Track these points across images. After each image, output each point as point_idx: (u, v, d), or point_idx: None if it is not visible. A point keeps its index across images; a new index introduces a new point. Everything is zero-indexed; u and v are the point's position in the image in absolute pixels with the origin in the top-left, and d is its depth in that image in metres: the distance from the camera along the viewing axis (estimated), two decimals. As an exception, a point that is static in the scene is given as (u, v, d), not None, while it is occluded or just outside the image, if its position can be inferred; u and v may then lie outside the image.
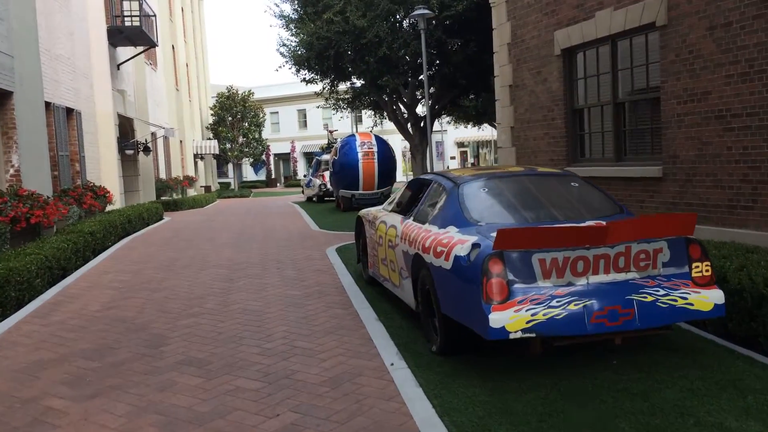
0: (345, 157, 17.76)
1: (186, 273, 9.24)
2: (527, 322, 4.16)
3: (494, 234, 4.51)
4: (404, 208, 6.72)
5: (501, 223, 4.98)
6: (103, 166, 17.23)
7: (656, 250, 4.46)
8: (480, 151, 56.01)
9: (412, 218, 6.03)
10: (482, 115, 32.39)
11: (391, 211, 6.89)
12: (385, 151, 18.06)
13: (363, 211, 8.00)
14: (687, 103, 7.54)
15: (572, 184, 5.62)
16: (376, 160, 17.56)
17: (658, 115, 8.12)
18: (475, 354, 4.99)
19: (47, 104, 12.90)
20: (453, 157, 54.09)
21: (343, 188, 17.92)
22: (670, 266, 4.50)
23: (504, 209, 5.22)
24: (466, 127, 39.19)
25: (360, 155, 17.55)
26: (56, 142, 13.47)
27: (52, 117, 13.35)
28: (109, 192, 14.94)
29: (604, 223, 4.51)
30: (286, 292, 7.63)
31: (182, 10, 36.84)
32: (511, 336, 4.15)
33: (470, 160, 55.92)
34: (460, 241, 4.74)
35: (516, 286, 4.31)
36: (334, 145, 24.68)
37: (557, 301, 4.26)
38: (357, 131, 25.07)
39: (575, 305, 4.25)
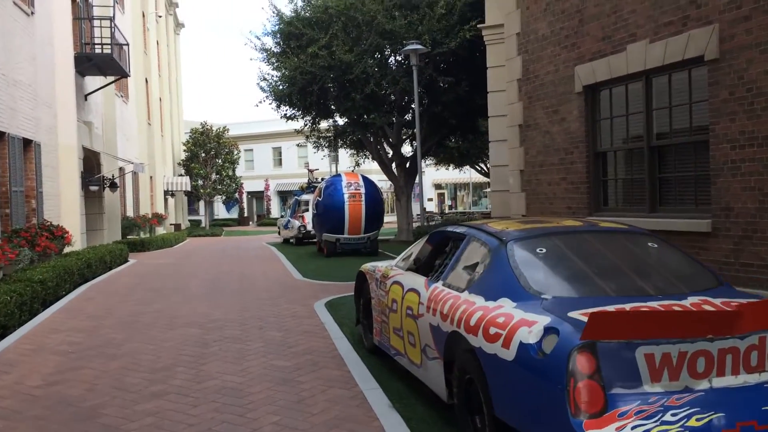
0: (329, 198, 16.52)
1: (151, 333, 7.83)
2: (635, 446, 2.95)
3: (575, 315, 3.32)
4: (425, 267, 5.51)
5: (573, 296, 3.80)
6: (63, 203, 15.73)
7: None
8: (458, 193, 55.35)
9: (440, 282, 4.81)
10: (465, 157, 31.76)
11: (408, 269, 5.66)
12: (373, 192, 16.89)
13: (368, 266, 6.76)
14: (745, 148, 6.52)
15: (650, 244, 4.47)
16: (363, 202, 16.35)
17: (705, 160, 7.09)
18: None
19: (0, 134, 11.52)
20: (430, 199, 53.24)
21: (326, 231, 16.62)
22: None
23: (574, 277, 4.04)
24: (447, 168, 38.55)
25: (346, 197, 16.33)
26: (9, 176, 12.03)
27: (6, 148, 11.94)
28: (67, 232, 13.45)
29: (732, 303, 3.35)
30: (272, 362, 6.30)
31: (157, 43, 35.73)
32: (615, 467, 2.93)
33: (447, 202, 55.18)
34: (524, 322, 3.53)
35: (616, 391, 3.10)
36: (317, 184, 23.48)
37: (673, 414, 3.05)
38: (342, 171, 23.89)
39: (697, 420, 3.05)
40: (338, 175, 17.81)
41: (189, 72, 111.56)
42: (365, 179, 17.10)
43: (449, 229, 5.36)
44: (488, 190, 50.88)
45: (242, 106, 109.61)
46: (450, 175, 47.54)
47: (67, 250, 13.91)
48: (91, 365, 6.42)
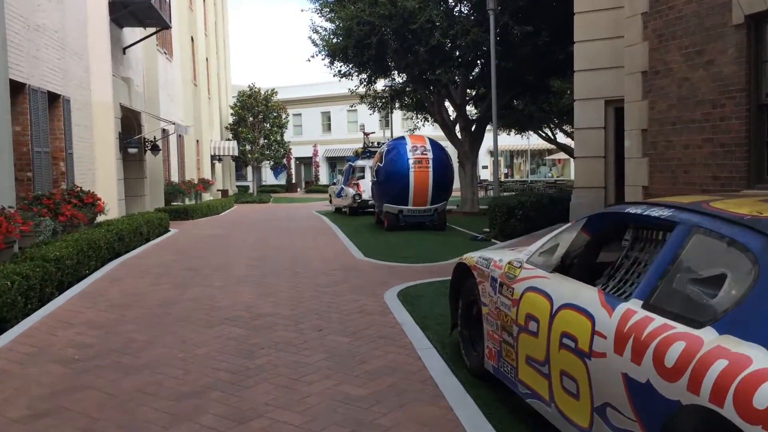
0: (392, 164, 14.51)
1: (181, 332, 6.13)
2: None
3: None
4: (587, 270, 3.57)
5: None
6: (98, 167, 14.26)
7: None
8: (514, 160, 52.64)
9: (634, 301, 2.87)
10: (529, 121, 29.24)
11: (553, 269, 3.70)
12: (441, 158, 14.80)
13: (473, 257, 4.83)
14: None
15: None
16: (431, 169, 14.28)
17: None
18: None
19: (17, 84, 9.93)
20: (485, 167, 50.72)
21: (388, 202, 14.68)
22: None
23: None
24: (507, 134, 36.05)
25: (411, 162, 14.30)
26: (31, 134, 10.49)
27: (26, 102, 10.38)
28: (99, 199, 11.92)
29: None
30: (339, 388, 4.51)
31: (203, 0, 34.03)
32: None
33: (503, 170, 52.57)
34: None
35: None
36: (373, 149, 21.51)
37: None
38: (405, 133, 21.82)
39: None
40: (402, 138, 15.78)
41: (237, 34, 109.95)
42: (432, 142, 15.02)
43: (630, 210, 3.36)
44: (550, 157, 48.29)
45: (290, 68, 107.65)
46: (506, 141, 44.86)
47: (101, 219, 12.42)
48: (98, 383, 4.74)
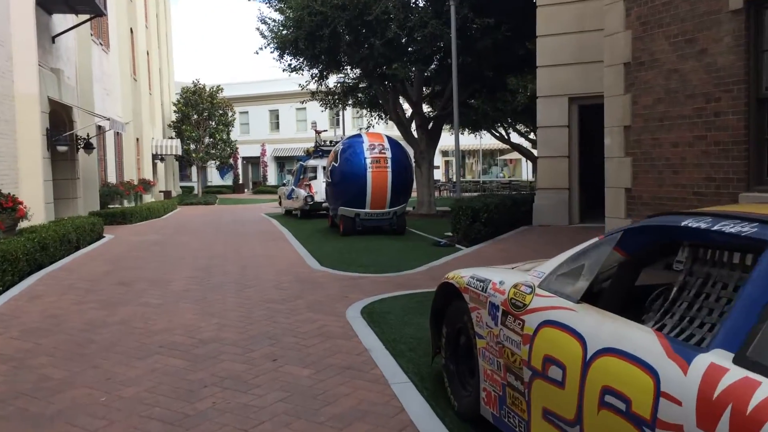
0: (348, 163, 13.55)
1: (107, 366, 5.10)
2: None
3: None
4: (623, 301, 2.78)
5: None
6: (21, 167, 12.88)
7: None
8: (466, 161, 52.33)
9: (717, 351, 2.08)
10: (483, 119, 28.72)
11: (581, 297, 2.87)
12: (401, 157, 13.91)
13: (461, 275, 3.98)
14: None
15: None
16: (390, 169, 13.38)
17: None
18: None
19: None
20: (437, 167, 50.25)
21: (343, 205, 13.72)
22: None
23: None
24: (462, 133, 35.49)
25: (369, 162, 13.37)
26: (-63, 129, 9.17)
27: (-70, 93, 9.06)
28: (20, 203, 10.63)
29: None
30: (302, 444, 3.60)
31: (144, -10, 32.35)
32: None
33: (455, 170, 52.21)
34: None
35: None
36: (326, 147, 20.48)
37: None
38: (365, 130, 20.81)
39: None
40: (358, 135, 14.81)
41: (180, 28, 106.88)
42: (391, 141, 14.12)
43: (690, 224, 2.56)
44: (502, 157, 48.12)
45: (237, 65, 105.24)
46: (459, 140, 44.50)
47: (24, 224, 11.12)
48: (-8, 444, 3.71)
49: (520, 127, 30.02)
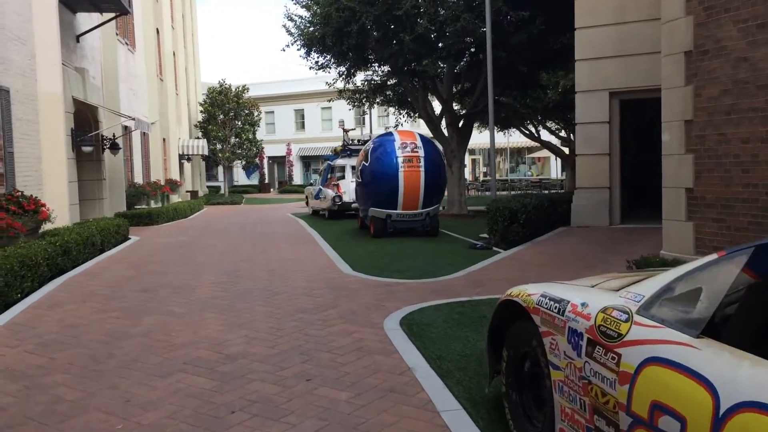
0: (379, 163, 13.00)
1: (125, 385, 4.65)
2: None
3: None
4: (758, 337, 2.21)
5: None
6: (45, 168, 12.58)
7: None
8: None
9: None
10: (514, 117, 27.99)
11: (702, 329, 2.28)
12: (433, 156, 13.32)
13: (534, 296, 3.40)
14: None
15: None
16: (422, 169, 12.81)
17: None
18: None
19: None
20: (465, 166, 49.51)
21: (374, 206, 13.19)
22: None
23: None
24: (480, 132, 34.76)
25: (400, 161, 12.82)
26: (-43, 129, 8.86)
27: (-51, 91, 8.75)
28: (42, 205, 10.31)
29: None
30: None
31: (170, -10, 32.22)
32: None
33: (482, 169, 51.44)
34: None
35: None
36: (354, 147, 19.96)
37: None
38: (390, 128, 20.28)
39: None
40: (389, 134, 14.24)
41: (206, 29, 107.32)
42: (423, 139, 13.55)
43: None
44: (530, 155, 47.21)
45: (262, 65, 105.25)
46: (483, 139, 43.66)
47: (47, 227, 10.82)
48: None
49: (551, 124, 29.27)
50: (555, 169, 45.54)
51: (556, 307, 3.11)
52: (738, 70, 6.27)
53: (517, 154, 49.47)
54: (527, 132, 30.72)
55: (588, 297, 2.99)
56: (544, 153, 41.24)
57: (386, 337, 5.72)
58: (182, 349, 5.49)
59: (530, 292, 3.43)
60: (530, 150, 45.53)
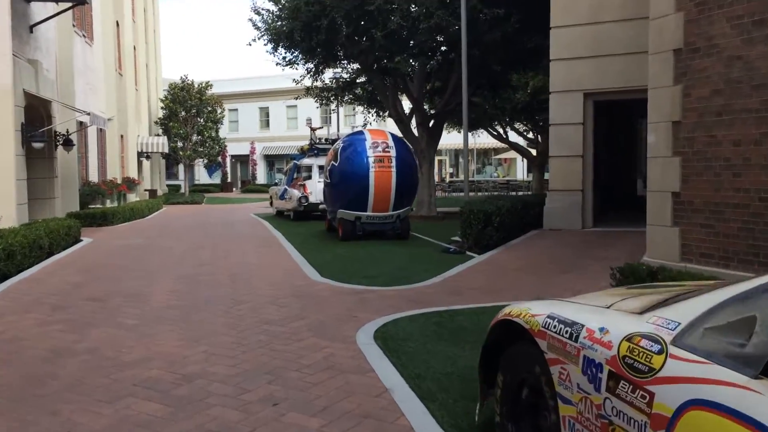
0: (349, 162, 12.46)
1: (67, 412, 4.08)
2: None
3: None
4: None
5: None
6: (-10, 164, 11.77)
7: None
8: (459, 160, 51.38)
9: None
10: (482, 117, 27.75)
11: (762, 372, 1.89)
12: (405, 156, 12.84)
13: (539, 317, 2.95)
14: None
15: None
16: (394, 169, 12.33)
17: None
18: None
19: None
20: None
21: (343, 207, 12.66)
22: None
23: None
24: (447, 132, 34.45)
25: (371, 161, 12.32)
26: None
27: None
28: (-15, 205, 9.55)
29: None
30: None
31: (130, -18, 31.13)
32: None
33: (448, 170, 51.26)
34: None
35: None
36: (322, 146, 19.39)
37: None
38: (359, 127, 19.78)
39: None
40: (360, 132, 13.72)
41: (168, 23, 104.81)
42: (395, 138, 13.07)
43: None
44: (497, 156, 47.19)
45: (226, 61, 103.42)
46: (450, 140, 43.48)
47: (-9, 228, 10.03)
48: None
49: (519, 125, 29.17)
50: (521, 171, 45.60)
51: (567, 332, 2.68)
52: (731, 69, 5.98)
53: (484, 155, 49.44)
54: (495, 133, 30.55)
55: (606, 321, 2.56)
56: (511, 154, 41.23)
57: (360, 353, 5.25)
58: (133, 368, 4.92)
59: (534, 312, 3.00)
60: (497, 151, 45.53)
